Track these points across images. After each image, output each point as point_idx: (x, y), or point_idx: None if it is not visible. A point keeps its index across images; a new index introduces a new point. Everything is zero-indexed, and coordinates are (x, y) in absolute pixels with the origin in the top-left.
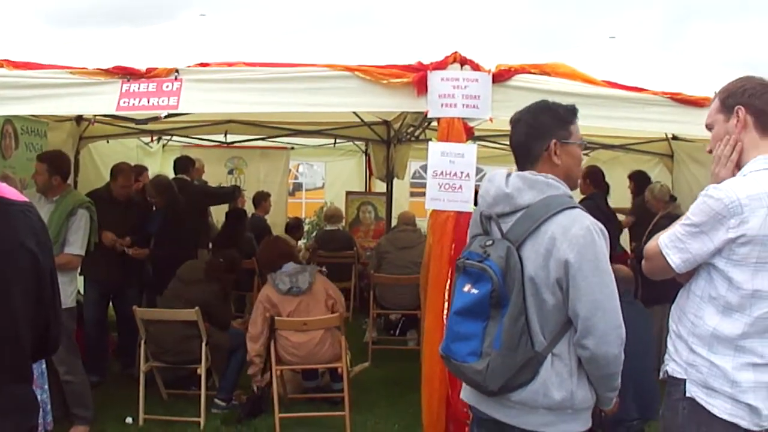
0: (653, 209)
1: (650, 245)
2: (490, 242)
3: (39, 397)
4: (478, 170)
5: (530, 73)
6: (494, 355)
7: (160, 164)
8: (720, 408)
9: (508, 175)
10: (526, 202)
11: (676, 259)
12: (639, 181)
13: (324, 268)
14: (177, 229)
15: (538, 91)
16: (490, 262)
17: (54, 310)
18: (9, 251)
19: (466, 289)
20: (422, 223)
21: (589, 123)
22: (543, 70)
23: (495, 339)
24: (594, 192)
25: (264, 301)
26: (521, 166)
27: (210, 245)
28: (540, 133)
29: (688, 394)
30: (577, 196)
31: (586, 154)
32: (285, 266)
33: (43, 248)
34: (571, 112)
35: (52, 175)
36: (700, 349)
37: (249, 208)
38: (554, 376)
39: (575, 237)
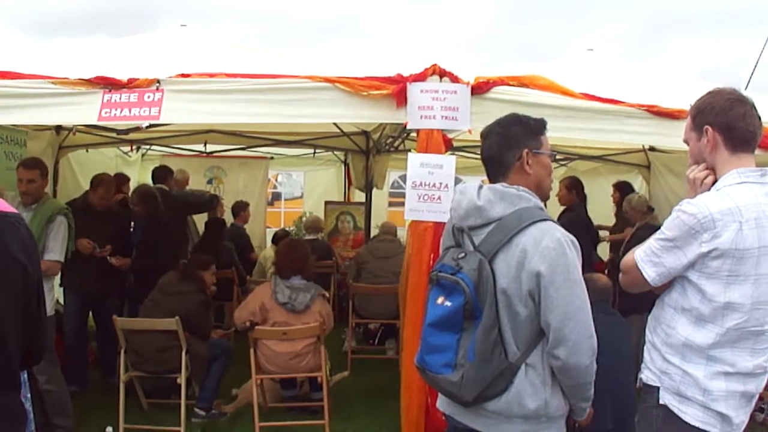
0: (631, 220)
1: (627, 259)
2: (463, 255)
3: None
4: (457, 180)
5: (509, 84)
6: (468, 367)
7: (138, 174)
8: (692, 416)
9: (480, 187)
10: (497, 215)
11: (651, 273)
12: (624, 190)
13: (327, 294)
14: (159, 239)
15: (517, 103)
16: (462, 274)
17: (40, 319)
18: (1, 264)
19: (439, 301)
20: (402, 233)
21: (566, 135)
22: (521, 82)
23: (469, 350)
24: (576, 202)
25: (258, 299)
26: (493, 177)
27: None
28: (512, 143)
29: (661, 401)
30: (553, 207)
31: (563, 164)
32: (293, 278)
33: (31, 259)
34: (540, 124)
35: (44, 180)
36: (673, 358)
37: (228, 218)
38: (528, 385)
39: (546, 249)
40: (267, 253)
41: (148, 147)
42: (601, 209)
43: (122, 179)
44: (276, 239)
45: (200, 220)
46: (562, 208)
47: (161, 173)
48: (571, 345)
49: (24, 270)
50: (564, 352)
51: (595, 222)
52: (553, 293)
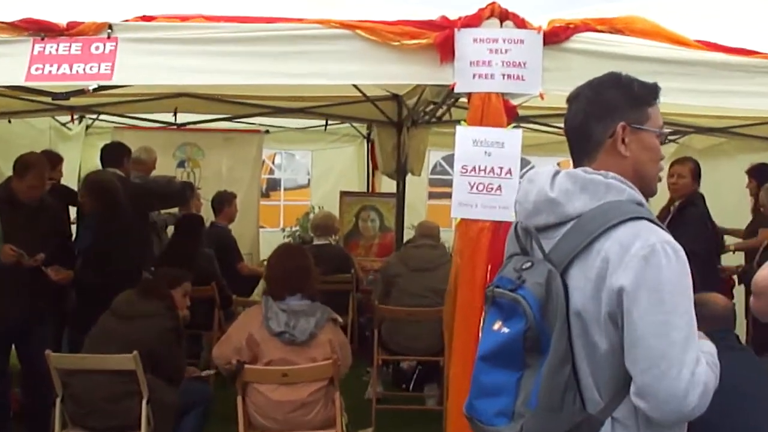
0: None
1: (760, 277)
2: (528, 264)
3: None
4: (525, 163)
5: (596, 30)
6: (530, 417)
7: (81, 153)
8: None
9: (555, 174)
10: (576, 211)
11: None
12: (763, 177)
13: (340, 319)
14: (113, 244)
15: (607, 57)
16: (524, 290)
17: None
18: None
19: (495, 327)
20: (447, 236)
21: (678, 99)
22: (614, 27)
23: (531, 395)
24: (697, 192)
25: (244, 328)
26: (577, 157)
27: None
28: (604, 112)
29: None
30: (659, 201)
31: (673, 140)
32: (289, 298)
33: None
34: (650, 90)
35: None
36: None
37: (207, 215)
38: None
39: (634, 257)
40: None
41: (95, 116)
42: (725, 203)
43: (53, 159)
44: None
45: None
46: (672, 200)
47: (114, 153)
48: (656, 402)
49: None
50: (647, 406)
51: (716, 221)
52: (636, 319)
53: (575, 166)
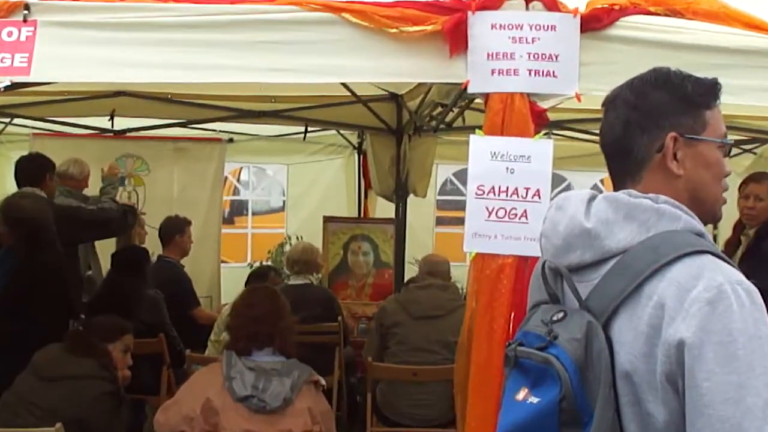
0: None
1: None
2: (560, 315)
3: None
4: (558, 180)
5: (648, 13)
6: None
7: None
8: None
9: (591, 198)
10: (620, 245)
11: None
12: None
13: (323, 380)
14: (33, 285)
15: (663, 46)
16: (557, 349)
17: None
18: None
19: (520, 396)
20: (460, 273)
21: (752, 101)
22: (671, 8)
23: None
24: None
25: (199, 392)
26: (617, 178)
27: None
28: (649, 120)
29: None
30: (724, 230)
31: (746, 150)
32: (257, 353)
33: None
34: (708, 89)
35: None
36: None
37: (153, 247)
38: None
39: (697, 301)
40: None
41: (6, 120)
42: None
43: None
44: (248, 281)
45: (105, 250)
46: (741, 227)
47: (32, 167)
48: None
49: None
50: None
51: None
52: (701, 380)
53: (616, 188)
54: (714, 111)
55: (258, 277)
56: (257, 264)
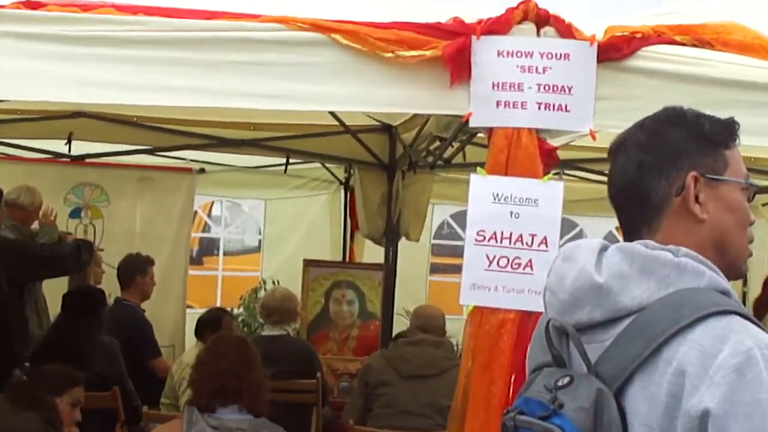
0: None
1: None
2: (566, 380)
3: None
4: (569, 225)
5: (673, 42)
6: None
7: None
8: None
9: (602, 248)
10: (636, 303)
11: None
12: None
13: None
14: None
15: (691, 80)
16: (562, 419)
17: None
18: None
19: None
20: (456, 327)
21: None
22: (699, 37)
23: None
24: None
25: None
26: (630, 228)
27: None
28: (666, 160)
29: None
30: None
31: None
32: (222, 410)
33: None
34: (725, 128)
35: None
36: None
37: (111, 288)
38: None
39: (723, 368)
40: (186, 359)
41: None
42: None
43: None
44: (201, 328)
45: (55, 290)
46: None
47: None
48: None
49: None
50: None
51: None
52: None
53: (628, 239)
54: (734, 151)
55: (210, 324)
56: (227, 309)
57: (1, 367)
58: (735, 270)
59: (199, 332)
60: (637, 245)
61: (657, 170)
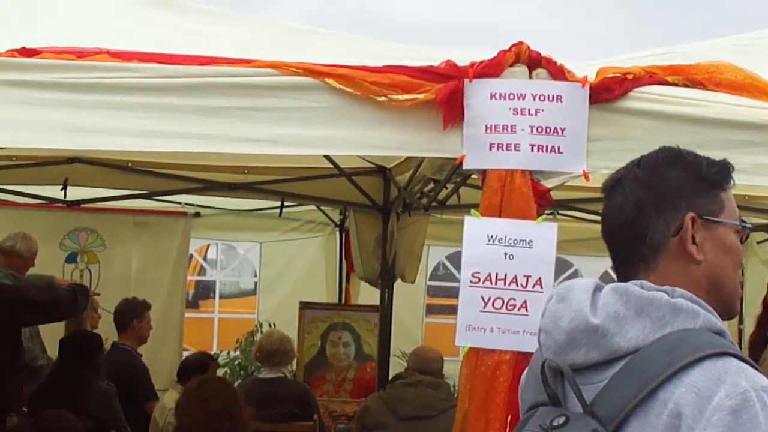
0: None
1: None
2: (561, 420)
3: None
4: (564, 265)
5: (666, 83)
6: None
7: None
8: None
9: (597, 289)
10: (631, 344)
11: None
12: None
13: None
14: None
15: (683, 120)
16: None
17: None
18: None
19: None
20: (453, 368)
21: None
22: (691, 77)
23: None
24: None
25: None
26: (625, 267)
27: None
28: (664, 200)
29: None
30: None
31: None
32: None
33: None
34: (721, 169)
35: None
36: None
37: (108, 333)
38: None
39: (719, 410)
40: (168, 402)
41: None
42: None
43: None
44: (184, 372)
45: (52, 335)
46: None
47: None
48: None
49: None
50: None
51: None
52: None
53: (622, 279)
54: (728, 193)
55: (196, 368)
56: (224, 354)
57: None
58: (728, 308)
59: (182, 375)
60: (632, 286)
61: (655, 209)
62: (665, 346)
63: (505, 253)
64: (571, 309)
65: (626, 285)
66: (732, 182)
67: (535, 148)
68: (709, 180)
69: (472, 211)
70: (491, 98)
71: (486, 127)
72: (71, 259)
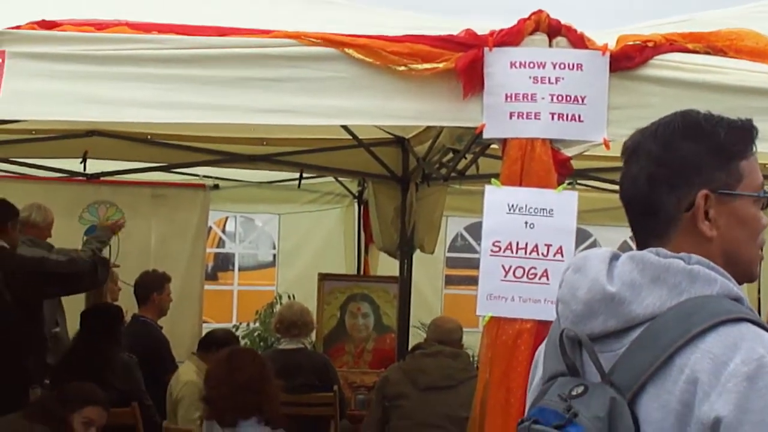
0: None
1: None
2: (580, 389)
3: None
4: (583, 235)
5: (686, 50)
6: None
7: None
8: None
9: (613, 258)
10: (648, 311)
11: None
12: None
13: None
14: None
15: (704, 88)
16: (577, 428)
17: None
18: None
19: None
20: (473, 339)
21: None
22: (712, 45)
23: None
24: None
25: None
26: (641, 236)
27: (48, 379)
28: (677, 176)
29: None
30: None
31: None
32: (243, 423)
33: None
34: (743, 135)
35: None
36: None
37: (128, 305)
38: None
39: (735, 376)
40: (183, 374)
41: None
42: None
43: None
44: (205, 346)
45: (74, 307)
46: None
47: None
48: None
49: None
50: None
51: None
52: None
53: (639, 245)
54: (750, 161)
55: (220, 342)
56: (244, 325)
57: (21, 384)
58: (747, 276)
59: (203, 347)
60: (648, 253)
61: (668, 186)
62: (681, 313)
63: (526, 222)
64: (588, 279)
65: (642, 253)
66: (754, 148)
67: (556, 117)
68: (727, 151)
69: (493, 180)
70: (511, 67)
71: (506, 96)
72: (91, 232)
